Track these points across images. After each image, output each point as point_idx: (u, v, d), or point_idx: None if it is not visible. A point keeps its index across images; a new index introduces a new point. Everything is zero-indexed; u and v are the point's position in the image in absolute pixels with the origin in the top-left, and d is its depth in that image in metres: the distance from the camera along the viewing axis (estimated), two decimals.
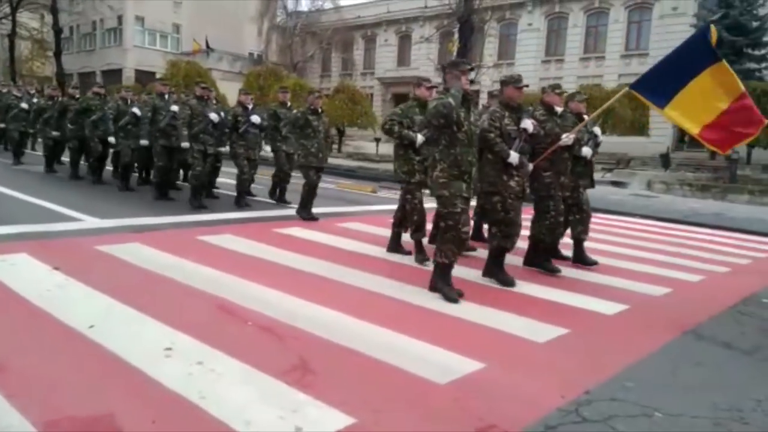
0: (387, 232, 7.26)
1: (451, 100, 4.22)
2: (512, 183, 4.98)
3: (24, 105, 12.53)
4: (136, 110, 8.97)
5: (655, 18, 27.78)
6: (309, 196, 7.79)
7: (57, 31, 30.02)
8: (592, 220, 6.33)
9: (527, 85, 5.11)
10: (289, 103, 9.28)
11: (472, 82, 4.63)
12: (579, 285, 5.31)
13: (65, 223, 6.53)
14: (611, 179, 17.58)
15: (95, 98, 10.11)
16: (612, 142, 19.35)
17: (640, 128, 22.42)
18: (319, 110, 7.79)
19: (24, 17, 33.04)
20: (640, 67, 27.70)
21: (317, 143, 7.63)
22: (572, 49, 30.16)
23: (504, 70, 26.60)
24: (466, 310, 4.29)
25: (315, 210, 7.90)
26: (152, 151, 8.96)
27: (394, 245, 6.19)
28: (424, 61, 32.05)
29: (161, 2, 35.36)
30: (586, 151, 5.90)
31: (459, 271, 5.25)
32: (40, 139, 12.56)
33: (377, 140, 24.84)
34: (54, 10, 29.54)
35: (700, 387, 3.28)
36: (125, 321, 3.57)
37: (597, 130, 6.15)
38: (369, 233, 7.22)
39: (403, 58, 36.76)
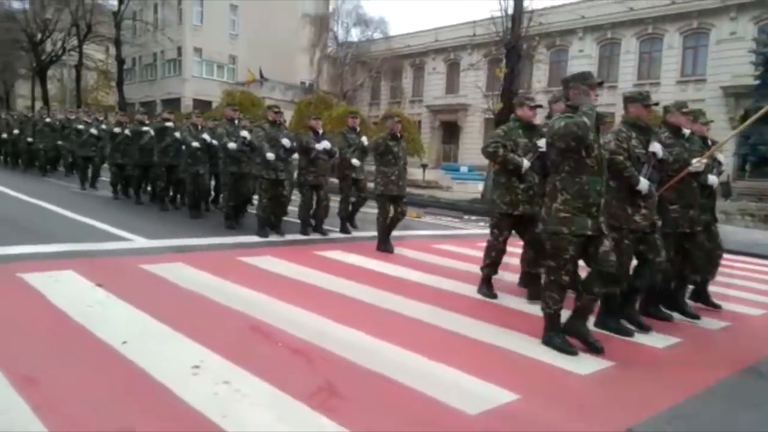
0: (428, 258, 7.18)
1: (585, 119, 3.61)
2: (637, 217, 4.35)
3: (93, 131, 12.73)
4: (205, 136, 9.01)
5: (712, 43, 26.97)
6: (386, 226, 7.51)
7: (120, 62, 31.63)
8: None
9: (656, 104, 4.59)
10: (358, 129, 9.07)
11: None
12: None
13: (114, 243, 6.72)
14: None
15: (163, 123, 10.16)
16: None
17: None
18: (399, 135, 7.55)
19: (90, 49, 34.95)
20: (697, 93, 26.96)
21: (398, 170, 7.37)
22: (625, 75, 29.56)
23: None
24: (505, 338, 4.13)
25: (357, 234, 7.84)
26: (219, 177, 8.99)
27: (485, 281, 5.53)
28: (472, 89, 32.02)
29: (218, 34, 36.87)
30: (713, 179, 5.18)
31: (501, 300, 5.12)
32: (105, 165, 12.79)
33: (424, 166, 24.86)
34: (117, 43, 31.18)
35: (757, 430, 3.01)
36: (158, 338, 3.59)
37: (720, 156, 5.53)
38: (410, 258, 7.13)
39: (451, 86, 36.90)
